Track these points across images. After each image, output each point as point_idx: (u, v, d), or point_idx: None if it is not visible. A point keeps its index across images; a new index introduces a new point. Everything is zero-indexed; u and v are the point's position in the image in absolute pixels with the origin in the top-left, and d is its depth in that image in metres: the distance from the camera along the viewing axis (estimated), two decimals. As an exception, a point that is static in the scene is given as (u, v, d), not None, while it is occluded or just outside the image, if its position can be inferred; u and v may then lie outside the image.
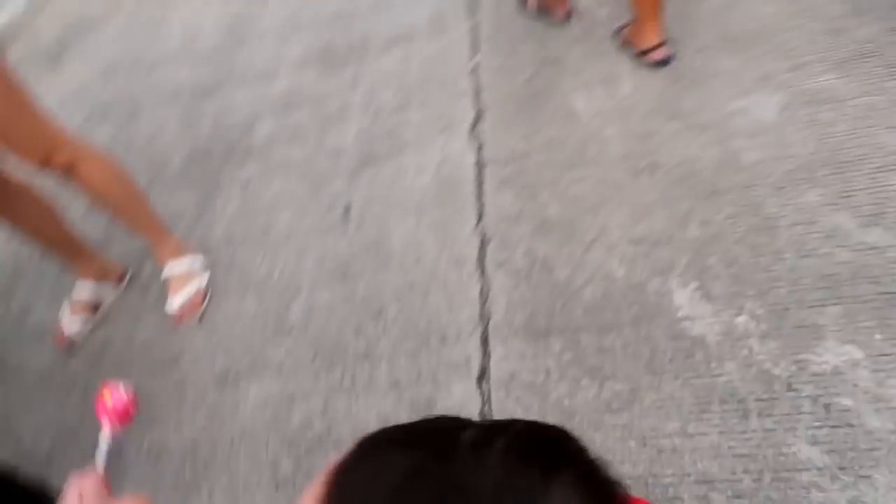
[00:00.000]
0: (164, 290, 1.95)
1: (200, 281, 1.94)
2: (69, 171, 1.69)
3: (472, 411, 1.45)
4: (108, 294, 2.04)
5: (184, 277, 1.93)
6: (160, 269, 1.96)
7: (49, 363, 1.96)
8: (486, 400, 1.47)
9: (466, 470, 0.40)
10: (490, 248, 1.74)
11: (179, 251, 1.96)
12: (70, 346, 1.97)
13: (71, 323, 1.98)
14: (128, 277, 2.08)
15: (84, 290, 2.00)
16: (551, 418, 1.38)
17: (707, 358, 1.39)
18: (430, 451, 0.42)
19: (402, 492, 0.40)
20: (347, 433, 1.50)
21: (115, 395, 0.61)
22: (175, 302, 1.91)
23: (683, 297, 1.50)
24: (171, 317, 1.91)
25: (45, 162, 1.63)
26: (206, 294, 1.93)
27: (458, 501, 0.39)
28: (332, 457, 0.45)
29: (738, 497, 1.20)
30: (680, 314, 1.47)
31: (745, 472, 1.22)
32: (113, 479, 0.78)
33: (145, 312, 1.98)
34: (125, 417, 0.62)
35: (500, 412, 1.43)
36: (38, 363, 1.98)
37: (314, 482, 0.45)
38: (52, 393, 1.88)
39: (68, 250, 1.95)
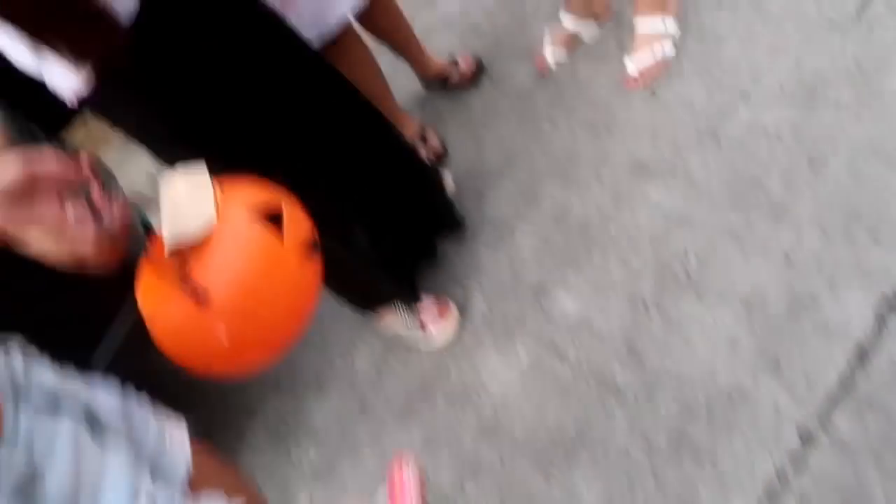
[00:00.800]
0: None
1: (666, 49, 1.80)
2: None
3: (849, 339, 1.19)
4: (589, 31, 2.05)
5: (650, 38, 1.81)
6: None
7: (524, 82, 2.15)
8: (876, 334, 1.17)
9: None
10: None
11: (655, 7, 1.81)
12: (544, 72, 2.10)
13: (548, 50, 2.09)
14: (611, 19, 2.03)
15: (567, 21, 2.04)
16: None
17: None
18: None
19: None
20: (712, 285, 1.40)
21: (402, 480, 0.58)
22: (633, 61, 1.83)
23: None
24: (626, 74, 1.86)
25: None
26: (666, 65, 1.80)
27: None
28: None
29: None
30: None
31: None
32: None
33: (610, 59, 1.96)
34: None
35: (881, 366, 1.15)
36: (517, 78, 2.19)
37: None
38: (514, 112, 2.10)
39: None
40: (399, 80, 2.46)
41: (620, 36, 1.97)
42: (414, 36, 2.30)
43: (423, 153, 2.17)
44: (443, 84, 2.36)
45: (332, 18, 1.83)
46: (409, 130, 2.20)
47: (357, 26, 2.03)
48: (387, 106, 2.18)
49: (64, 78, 1.19)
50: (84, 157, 0.85)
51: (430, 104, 2.39)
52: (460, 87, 2.32)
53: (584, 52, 2.05)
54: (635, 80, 1.83)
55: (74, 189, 0.84)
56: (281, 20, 1.47)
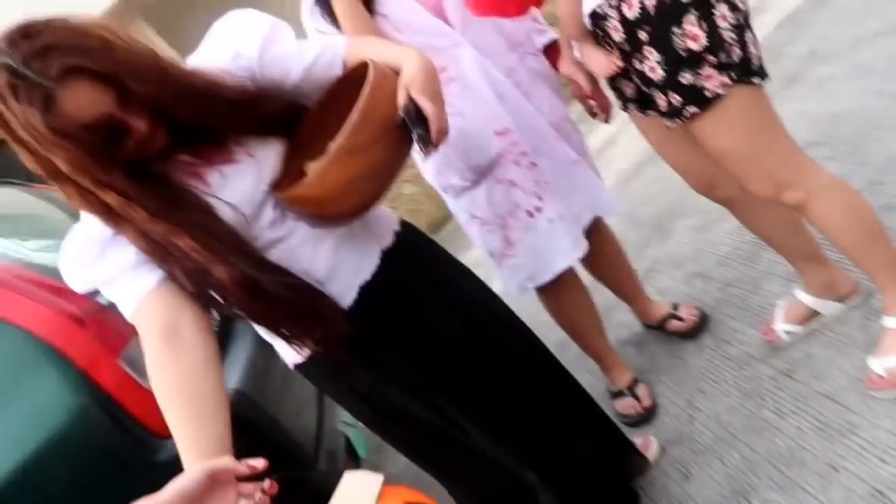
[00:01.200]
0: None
1: (920, 354, 1.58)
2: (800, 209, 1.55)
3: None
4: (828, 309, 1.87)
5: (902, 338, 1.60)
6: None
7: (749, 349, 2.00)
8: None
9: None
10: None
11: (910, 309, 1.61)
12: (771, 343, 1.95)
13: (780, 323, 1.93)
14: (856, 299, 1.84)
15: (804, 297, 1.89)
16: None
17: None
18: None
19: None
20: None
21: None
22: (878, 361, 1.62)
23: None
24: (870, 371, 1.64)
25: (775, 195, 1.53)
26: (918, 373, 1.57)
27: None
28: None
29: None
30: None
31: None
32: None
33: (851, 347, 1.76)
34: None
35: None
36: (741, 342, 2.04)
37: None
38: (735, 382, 1.94)
39: (800, 254, 1.84)
40: (618, 315, 2.44)
41: (867, 322, 1.77)
42: (636, 280, 2.28)
43: (630, 407, 2.08)
44: (662, 328, 2.28)
45: (548, 273, 1.89)
46: (620, 379, 2.14)
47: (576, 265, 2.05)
48: (599, 349, 2.15)
49: (283, 348, 1.34)
50: (260, 461, 0.92)
51: (646, 348, 2.31)
52: (679, 336, 2.23)
53: (821, 330, 1.87)
54: (881, 381, 1.61)
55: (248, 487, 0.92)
56: (485, 288, 1.53)
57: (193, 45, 1.27)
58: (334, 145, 1.11)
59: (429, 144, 1.13)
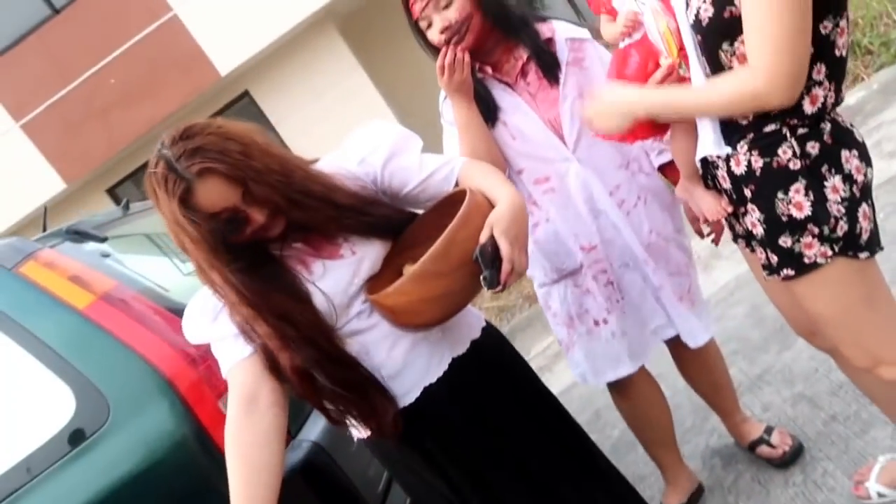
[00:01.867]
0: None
1: None
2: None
3: None
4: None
5: None
6: None
7: (835, 496, 1.90)
8: None
9: None
10: None
11: None
12: (860, 499, 1.83)
13: (874, 478, 1.81)
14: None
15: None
16: None
17: None
18: None
19: None
20: None
21: None
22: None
23: None
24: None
25: (871, 367, 1.46)
26: None
27: None
28: None
29: None
30: None
31: None
32: None
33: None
34: None
35: None
36: (831, 486, 1.94)
37: None
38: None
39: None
40: (714, 419, 2.37)
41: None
42: (731, 395, 2.21)
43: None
44: (751, 449, 2.20)
45: (595, 380, 1.97)
46: (670, 497, 2.12)
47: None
48: (662, 461, 2.16)
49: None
50: None
51: (733, 465, 2.24)
52: (768, 462, 2.14)
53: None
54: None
55: None
56: (548, 397, 1.57)
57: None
58: (415, 268, 1.22)
59: (495, 285, 1.20)
